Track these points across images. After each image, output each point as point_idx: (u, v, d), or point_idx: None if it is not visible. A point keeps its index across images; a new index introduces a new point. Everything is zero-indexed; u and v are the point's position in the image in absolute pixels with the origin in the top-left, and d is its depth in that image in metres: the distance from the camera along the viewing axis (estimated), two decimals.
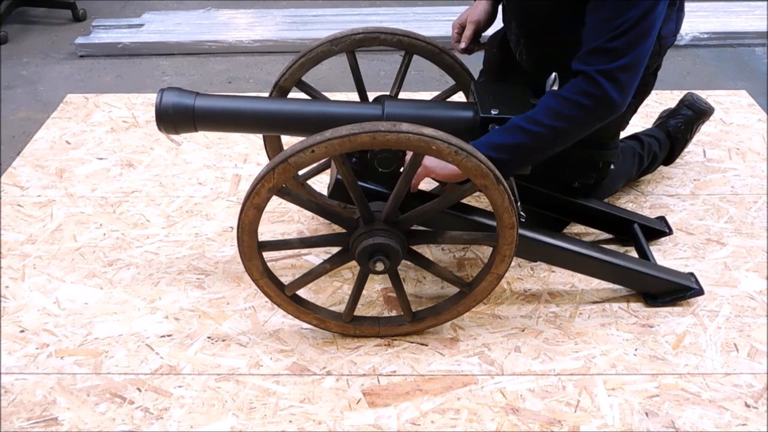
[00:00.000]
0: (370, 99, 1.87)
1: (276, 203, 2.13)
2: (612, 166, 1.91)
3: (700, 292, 1.78)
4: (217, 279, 1.89)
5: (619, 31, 1.47)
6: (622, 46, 1.47)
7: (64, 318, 1.76)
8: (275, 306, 1.67)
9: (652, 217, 2.07)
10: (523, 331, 1.72)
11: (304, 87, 1.91)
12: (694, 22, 3.37)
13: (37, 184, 2.27)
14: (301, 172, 1.98)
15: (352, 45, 1.87)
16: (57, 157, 2.42)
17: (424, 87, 2.87)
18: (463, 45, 1.85)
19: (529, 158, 1.58)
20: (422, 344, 1.69)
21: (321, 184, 2.20)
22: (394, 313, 1.77)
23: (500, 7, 1.88)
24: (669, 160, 2.27)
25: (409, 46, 1.89)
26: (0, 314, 1.77)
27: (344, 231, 1.58)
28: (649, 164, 2.18)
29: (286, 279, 1.67)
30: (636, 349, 1.67)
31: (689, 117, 2.27)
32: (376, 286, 1.85)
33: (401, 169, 1.54)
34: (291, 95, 1.95)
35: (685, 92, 2.38)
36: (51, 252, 1.98)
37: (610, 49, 1.48)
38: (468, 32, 1.84)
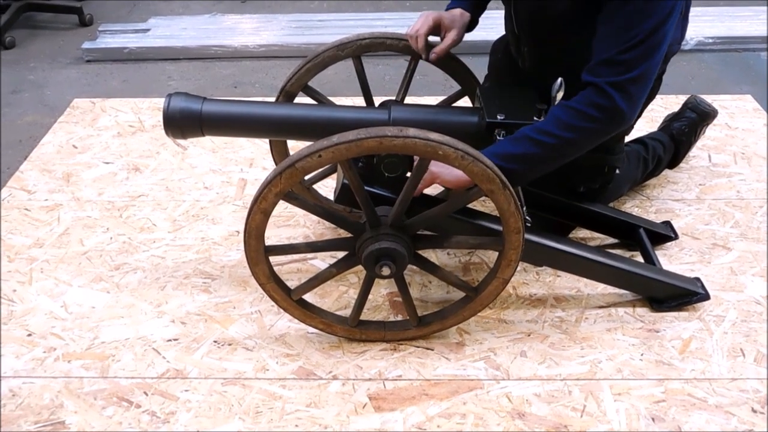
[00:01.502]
0: (376, 104, 1.88)
1: (282, 207, 2.14)
2: (617, 171, 1.91)
3: (706, 296, 1.78)
4: (223, 283, 1.89)
5: (631, 43, 1.47)
6: (634, 58, 1.48)
7: (71, 322, 1.77)
8: (281, 310, 1.67)
9: (658, 221, 2.07)
10: (528, 335, 1.72)
11: (310, 92, 1.92)
12: (699, 27, 3.37)
13: (44, 188, 2.29)
14: (306, 177, 1.99)
15: (358, 50, 1.88)
16: (64, 161, 2.44)
17: (430, 91, 2.88)
18: (433, 56, 1.79)
19: (538, 168, 1.58)
20: (428, 349, 1.69)
21: (327, 188, 2.20)
22: (399, 318, 1.77)
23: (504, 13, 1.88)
24: (673, 163, 2.27)
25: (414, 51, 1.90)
26: None
27: (350, 235, 1.59)
28: (653, 168, 2.18)
29: (292, 283, 1.68)
30: (642, 354, 1.66)
31: (693, 120, 2.28)
32: (382, 290, 1.86)
33: (407, 174, 1.55)
34: (297, 100, 1.96)
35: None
36: (58, 256, 1.99)
37: (622, 61, 1.48)
38: (445, 45, 1.78)
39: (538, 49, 1.77)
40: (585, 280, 1.85)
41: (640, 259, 1.92)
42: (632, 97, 1.51)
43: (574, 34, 1.60)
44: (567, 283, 1.88)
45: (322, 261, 1.96)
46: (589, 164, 1.84)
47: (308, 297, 1.71)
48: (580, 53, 1.56)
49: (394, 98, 1.91)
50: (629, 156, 2.05)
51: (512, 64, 1.91)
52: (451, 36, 1.79)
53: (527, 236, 1.58)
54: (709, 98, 2.40)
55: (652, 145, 2.17)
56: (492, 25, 1.96)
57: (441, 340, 1.71)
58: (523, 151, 1.53)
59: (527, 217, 1.58)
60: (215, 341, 1.71)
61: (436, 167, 1.50)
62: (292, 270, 1.94)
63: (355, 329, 1.67)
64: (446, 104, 2.01)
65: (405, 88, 1.93)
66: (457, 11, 1.81)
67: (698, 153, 2.42)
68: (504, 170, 1.47)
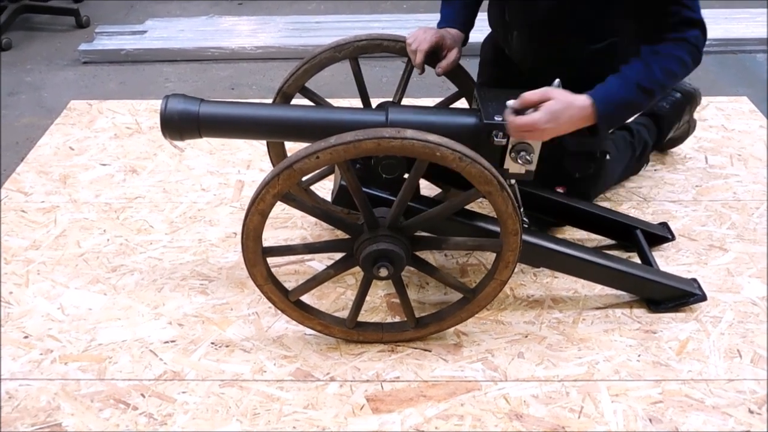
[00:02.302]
0: (373, 105, 1.88)
1: (279, 209, 2.14)
2: (607, 156, 1.97)
3: (703, 298, 1.79)
4: (220, 285, 1.89)
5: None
6: (693, 12, 1.67)
7: (68, 324, 1.76)
8: (279, 312, 1.67)
9: (655, 223, 2.08)
10: (526, 337, 1.72)
11: (307, 93, 1.92)
12: None
13: (41, 190, 2.28)
14: (304, 178, 1.99)
15: (355, 51, 1.88)
16: (61, 163, 2.43)
17: (426, 93, 2.88)
18: (439, 71, 1.84)
19: (627, 117, 1.67)
20: (426, 350, 1.69)
21: (324, 190, 2.21)
22: (397, 319, 1.77)
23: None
24: (659, 142, 2.30)
25: None
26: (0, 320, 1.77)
27: (348, 237, 1.59)
28: (641, 152, 2.23)
29: (289, 285, 1.67)
30: (639, 355, 1.67)
31: (676, 99, 2.31)
32: (380, 291, 1.86)
33: (405, 176, 1.55)
34: (294, 101, 1.96)
35: None
36: (55, 258, 1.98)
37: (689, 19, 1.66)
38: (449, 61, 1.83)
39: (535, 45, 1.79)
40: (582, 281, 1.85)
41: (637, 260, 1.92)
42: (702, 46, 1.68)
43: (571, 30, 1.61)
44: (564, 284, 1.88)
45: (319, 262, 1.96)
46: (581, 150, 1.89)
47: (306, 298, 1.71)
48: (575, 48, 1.57)
49: (391, 100, 1.91)
50: (616, 142, 2.11)
51: (500, 57, 1.94)
52: (453, 54, 1.84)
53: (525, 238, 1.58)
54: (705, 100, 2.41)
55: (636, 129, 2.22)
56: (489, 28, 1.97)
57: (439, 341, 1.71)
58: (629, 98, 1.58)
59: (525, 219, 1.58)
60: (212, 343, 1.71)
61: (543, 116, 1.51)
62: (289, 271, 1.94)
63: (352, 331, 1.67)
64: (443, 106, 2.01)
65: (402, 90, 1.93)
66: (455, 31, 1.86)
67: (695, 155, 2.43)
68: (599, 115, 1.52)
